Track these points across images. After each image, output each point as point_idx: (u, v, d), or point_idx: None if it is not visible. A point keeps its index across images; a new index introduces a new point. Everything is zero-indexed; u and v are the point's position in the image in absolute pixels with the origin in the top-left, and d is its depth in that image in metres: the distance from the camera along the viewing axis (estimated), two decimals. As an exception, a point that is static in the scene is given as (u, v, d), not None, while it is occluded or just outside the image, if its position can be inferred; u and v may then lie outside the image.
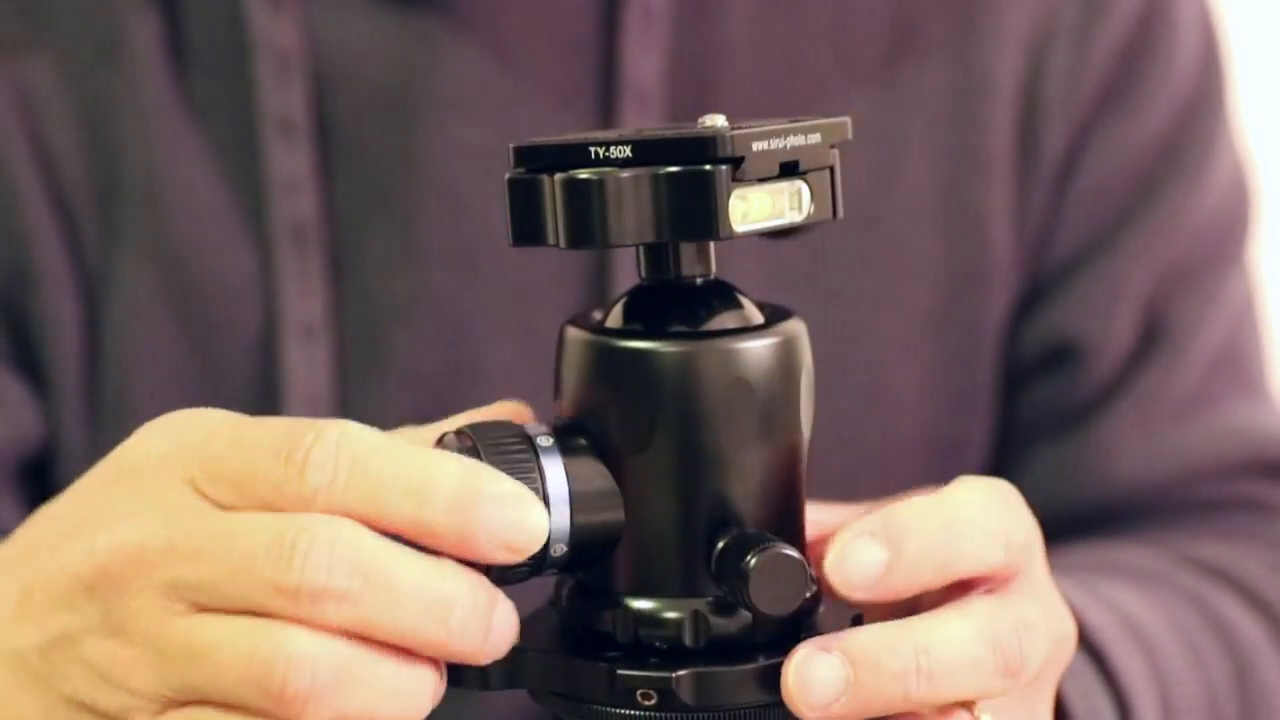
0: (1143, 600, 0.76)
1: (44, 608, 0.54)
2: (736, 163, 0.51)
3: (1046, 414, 0.86)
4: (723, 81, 0.81)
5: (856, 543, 0.53)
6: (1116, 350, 0.85)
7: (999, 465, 0.88)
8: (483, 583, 0.51)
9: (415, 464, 0.51)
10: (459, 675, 0.54)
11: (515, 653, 0.53)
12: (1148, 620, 0.74)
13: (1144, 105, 0.86)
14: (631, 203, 0.51)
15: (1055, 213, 0.85)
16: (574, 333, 0.54)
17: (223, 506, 0.52)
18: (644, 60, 0.80)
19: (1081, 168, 0.85)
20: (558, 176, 0.52)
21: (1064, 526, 0.82)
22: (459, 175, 0.80)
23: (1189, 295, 0.86)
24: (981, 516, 0.54)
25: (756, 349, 0.53)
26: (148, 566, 0.52)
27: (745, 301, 0.55)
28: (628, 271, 0.80)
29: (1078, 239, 0.86)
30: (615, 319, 0.55)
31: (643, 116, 0.80)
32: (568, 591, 0.56)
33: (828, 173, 0.53)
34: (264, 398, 0.80)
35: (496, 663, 0.53)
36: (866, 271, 0.82)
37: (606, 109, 0.81)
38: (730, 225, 0.51)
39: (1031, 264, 0.86)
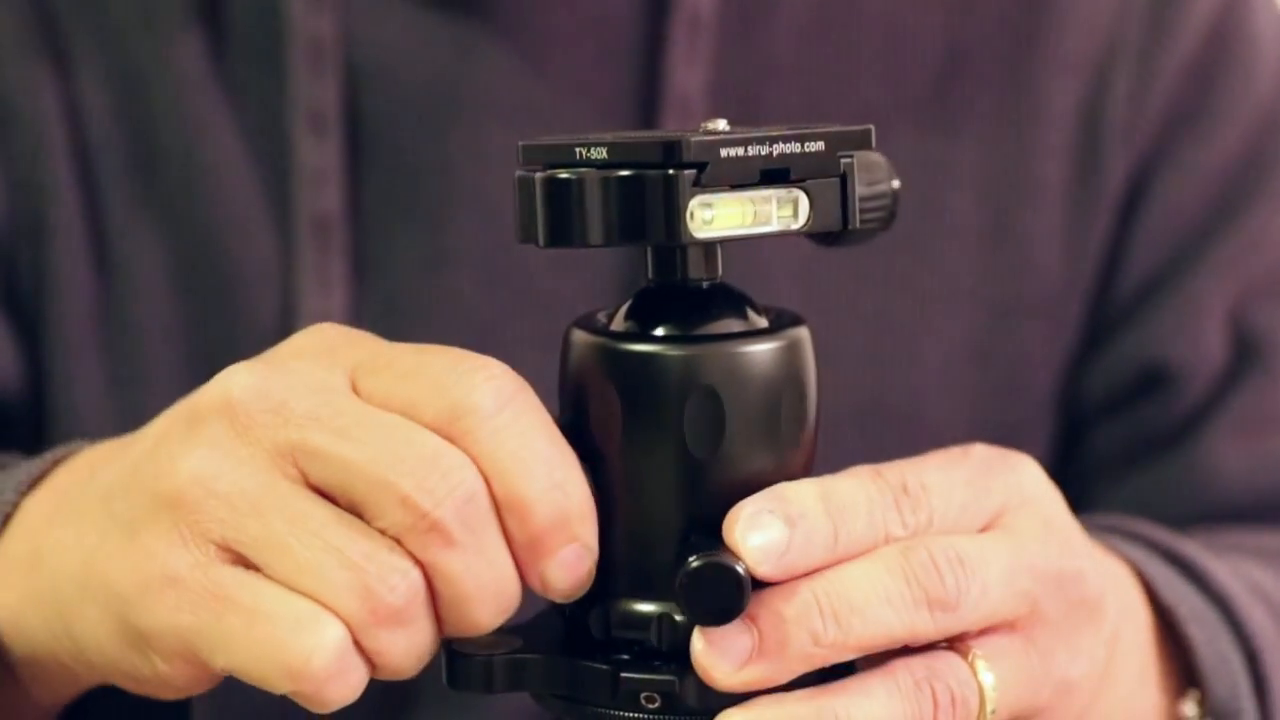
0: (1258, 567, 0.75)
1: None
2: (700, 167, 0.50)
3: (1137, 440, 0.85)
4: (767, 98, 0.80)
5: (761, 518, 0.51)
6: (1208, 369, 0.84)
7: (1074, 501, 0.86)
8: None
9: (557, 453, 0.52)
10: (461, 677, 0.54)
11: (518, 655, 0.53)
12: (1264, 580, 0.73)
13: (1220, 125, 0.84)
14: (598, 204, 0.51)
15: (1125, 239, 0.84)
16: (577, 334, 0.55)
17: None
18: (689, 73, 0.79)
19: (1153, 191, 0.84)
20: (539, 175, 0.52)
21: None
22: (492, 181, 0.79)
23: (1277, 308, 0.85)
24: (864, 503, 0.53)
25: (758, 353, 0.53)
26: (283, 421, 0.51)
27: (750, 306, 0.55)
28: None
29: (1154, 262, 0.84)
30: (619, 321, 0.55)
31: (684, 129, 0.78)
32: None
33: (837, 181, 0.52)
34: None
35: (499, 665, 0.53)
36: (907, 298, 0.81)
37: (648, 121, 0.79)
38: (689, 230, 0.50)
39: (1098, 292, 0.84)
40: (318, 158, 0.78)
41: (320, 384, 0.52)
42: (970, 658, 0.53)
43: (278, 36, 0.79)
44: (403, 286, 0.79)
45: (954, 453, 0.56)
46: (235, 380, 0.52)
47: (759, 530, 0.51)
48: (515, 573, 0.51)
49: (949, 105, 0.82)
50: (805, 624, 0.51)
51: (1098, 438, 0.85)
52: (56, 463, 0.61)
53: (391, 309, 0.79)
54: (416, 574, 0.50)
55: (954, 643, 0.54)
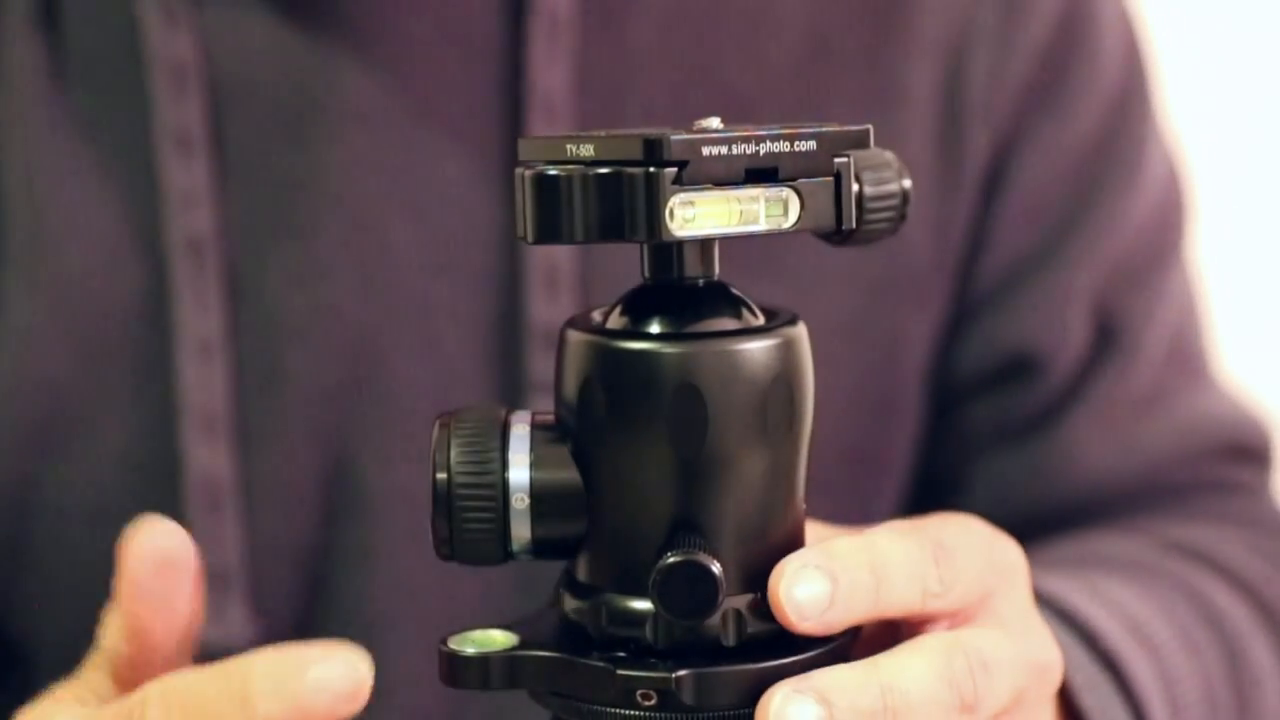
0: (1137, 594, 0.76)
1: None
2: (681, 165, 0.50)
3: (1002, 423, 0.87)
4: (632, 91, 0.81)
5: (805, 573, 0.53)
6: (1072, 355, 0.86)
7: (945, 477, 0.88)
8: None
9: (229, 672, 0.53)
10: (458, 676, 0.54)
11: (515, 653, 0.54)
12: (1146, 617, 0.75)
13: (1072, 106, 0.86)
14: (580, 201, 0.51)
15: (989, 219, 0.86)
16: (568, 332, 0.55)
17: None
18: (551, 71, 0.79)
19: (1013, 172, 0.86)
20: (527, 172, 0.52)
21: (1033, 531, 0.82)
22: (360, 190, 0.79)
23: (1137, 293, 0.87)
24: (905, 558, 0.55)
25: (744, 352, 0.53)
26: None
27: (746, 304, 0.55)
28: (539, 284, 0.79)
29: (1018, 248, 0.86)
30: (613, 319, 0.55)
31: (551, 126, 0.79)
32: (568, 592, 0.55)
33: (830, 181, 0.52)
34: (161, 419, 0.78)
35: (496, 663, 0.54)
36: (780, 281, 0.82)
37: (514, 120, 0.80)
38: (669, 228, 0.50)
39: (963, 274, 0.86)
40: (186, 179, 0.78)
41: None
42: None
43: (134, 63, 0.78)
44: (279, 303, 0.79)
45: (960, 520, 0.58)
46: None
47: (804, 585, 0.52)
48: None
49: (813, 90, 0.83)
50: (872, 718, 0.52)
51: (966, 418, 0.88)
52: None
53: (269, 326, 0.79)
54: None
55: None
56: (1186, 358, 0.90)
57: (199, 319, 0.78)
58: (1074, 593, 0.73)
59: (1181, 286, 0.90)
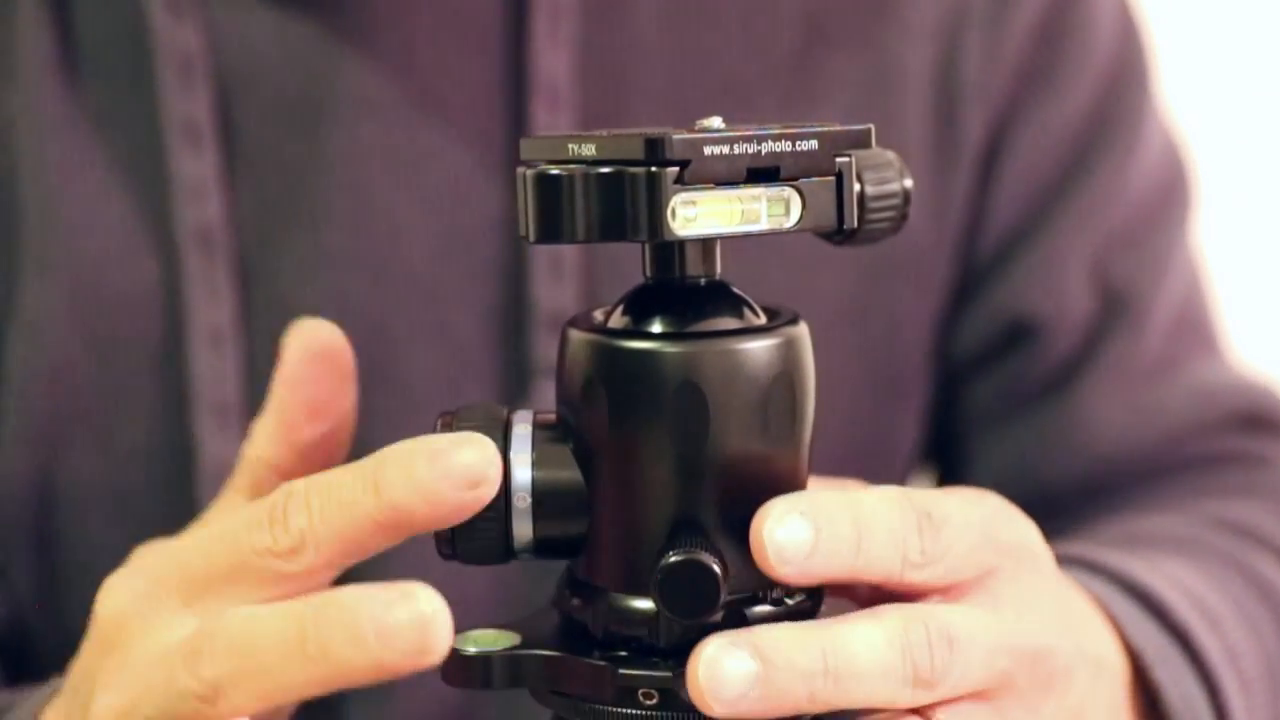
0: (1193, 572, 0.76)
1: None
2: (683, 165, 0.50)
3: (1010, 394, 0.87)
4: (634, 78, 0.82)
5: (790, 518, 0.52)
6: (1073, 322, 0.86)
7: (957, 456, 0.89)
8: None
9: (364, 462, 0.53)
10: (459, 674, 0.54)
11: (516, 652, 0.54)
12: (1204, 592, 0.74)
13: (1066, 83, 0.87)
14: (581, 200, 0.51)
15: (986, 196, 0.86)
16: (569, 331, 0.55)
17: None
18: (554, 58, 0.80)
19: (1008, 149, 0.86)
20: (529, 172, 0.52)
21: (1050, 502, 0.82)
22: (368, 178, 0.80)
23: (1142, 262, 0.88)
24: (888, 520, 0.54)
25: (745, 351, 0.53)
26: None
27: (747, 303, 0.55)
28: (543, 271, 0.80)
29: (1012, 219, 0.87)
30: (614, 319, 0.55)
31: (554, 115, 0.79)
32: (569, 591, 0.56)
33: (832, 180, 0.53)
34: (174, 409, 0.79)
35: (498, 662, 0.54)
36: (780, 264, 0.82)
37: (516, 109, 0.80)
38: (671, 228, 0.50)
39: (962, 252, 0.87)
40: (195, 169, 0.78)
41: (172, 630, 0.54)
42: None
43: (142, 55, 0.79)
44: (289, 291, 0.80)
45: (970, 493, 0.58)
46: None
47: (787, 528, 0.52)
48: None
49: (810, 74, 0.84)
50: (810, 679, 0.51)
51: (972, 392, 0.88)
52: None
53: (280, 314, 0.79)
54: None
55: (920, 709, 0.54)
56: (1196, 327, 0.91)
57: (210, 308, 0.79)
58: (1136, 566, 0.72)
59: (1187, 260, 0.91)
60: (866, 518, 0.53)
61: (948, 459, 0.90)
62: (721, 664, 0.51)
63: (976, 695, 0.55)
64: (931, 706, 0.54)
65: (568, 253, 0.80)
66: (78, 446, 0.79)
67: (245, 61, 0.79)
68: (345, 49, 0.80)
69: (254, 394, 0.79)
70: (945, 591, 0.56)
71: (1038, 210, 0.87)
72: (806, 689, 0.51)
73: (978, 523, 0.56)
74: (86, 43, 0.79)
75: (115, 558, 0.60)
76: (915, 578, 0.55)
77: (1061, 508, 0.85)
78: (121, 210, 0.79)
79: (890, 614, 0.53)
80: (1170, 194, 0.90)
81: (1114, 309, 0.87)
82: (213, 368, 0.79)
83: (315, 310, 0.79)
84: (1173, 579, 0.73)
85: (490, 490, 0.52)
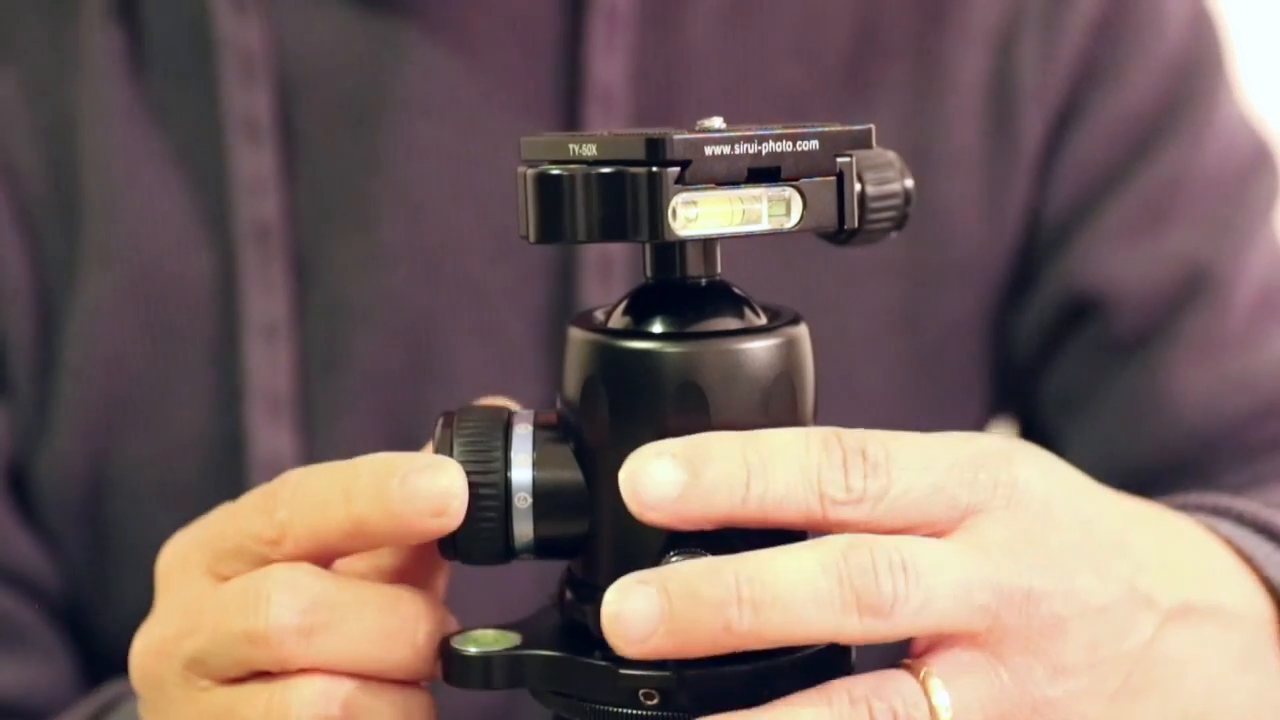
0: None
1: None
2: (684, 165, 0.50)
3: (1083, 375, 0.86)
4: (688, 86, 0.82)
5: (656, 461, 0.51)
6: (1145, 297, 0.85)
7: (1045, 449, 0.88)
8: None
9: (345, 466, 0.55)
10: (460, 674, 0.55)
11: (517, 652, 0.54)
12: None
13: (1131, 74, 0.86)
14: (582, 201, 0.51)
15: (1042, 193, 0.86)
16: (571, 331, 0.55)
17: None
18: (609, 64, 0.81)
19: (1066, 143, 0.86)
20: (530, 172, 0.52)
21: (1144, 485, 0.77)
22: (423, 178, 0.81)
23: (1222, 240, 0.86)
24: (797, 457, 0.51)
25: (745, 351, 0.53)
26: (167, 656, 0.57)
27: (748, 303, 0.55)
28: (592, 273, 0.80)
29: (1068, 204, 0.86)
30: (615, 319, 0.55)
31: (607, 120, 0.80)
32: (569, 590, 0.56)
33: (833, 180, 0.52)
34: (227, 400, 0.80)
35: (498, 662, 0.54)
36: (830, 273, 0.83)
37: (571, 113, 0.81)
38: (672, 228, 0.50)
39: (1019, 250, 0.86)
40: (254, 166, 0.80)
41: (187, 596, 0.58)
42: (923, 675, 0.52)
43: (205, 52, 0.80)
44: (343, 288, 0.81)
45: (951, 436, 0.54)
46: (136, 645, 0.59)
47: (650, 471, 0.50)
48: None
49: (863, 83, 0.84)
50: (721, 609, 0.49)
51: (1046, 383, 0.87)
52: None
53: (333, 311, 0.81)
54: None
55: (909, 660, 0.53)
56: (1278, 306, 0.89)
57: (265, 302, 0.80)
58: (1264, 511, 0.68)
59: (1272, 240, 0.89)
60: (765, 457, 0.51)
61: None
62: (625, 602, 0.49)
63: (968, 641, 0.53)
64: (919, 656, 0.53)
65: (617, 256, 0.80)
66: (131, 434, 0.81)
67: (306, 60, 0.81)
68: (405, 50, 0.81)
69: (306, 387, 0.81)
70: (905, 532, 0.53)
71: (1096, 193, 0.86)
72: (719, 620, 0.49)
73: (950, 463, 0.53)
74: (152, 38, 0.81)
75: (164, 543, 0.61)
76: (846, 515, 0.52)
77: (1156, 489, 0.83)
78: (181, 203, 0.81)
79: (831, 541, 0.51)
80: (1250, 178, 0.89)
81: (1194, 285, 0.85)
82: (266, 360, 0.80)
83: (368, 307, 0.80)
84: None
85: (453, 522, 0.53)
